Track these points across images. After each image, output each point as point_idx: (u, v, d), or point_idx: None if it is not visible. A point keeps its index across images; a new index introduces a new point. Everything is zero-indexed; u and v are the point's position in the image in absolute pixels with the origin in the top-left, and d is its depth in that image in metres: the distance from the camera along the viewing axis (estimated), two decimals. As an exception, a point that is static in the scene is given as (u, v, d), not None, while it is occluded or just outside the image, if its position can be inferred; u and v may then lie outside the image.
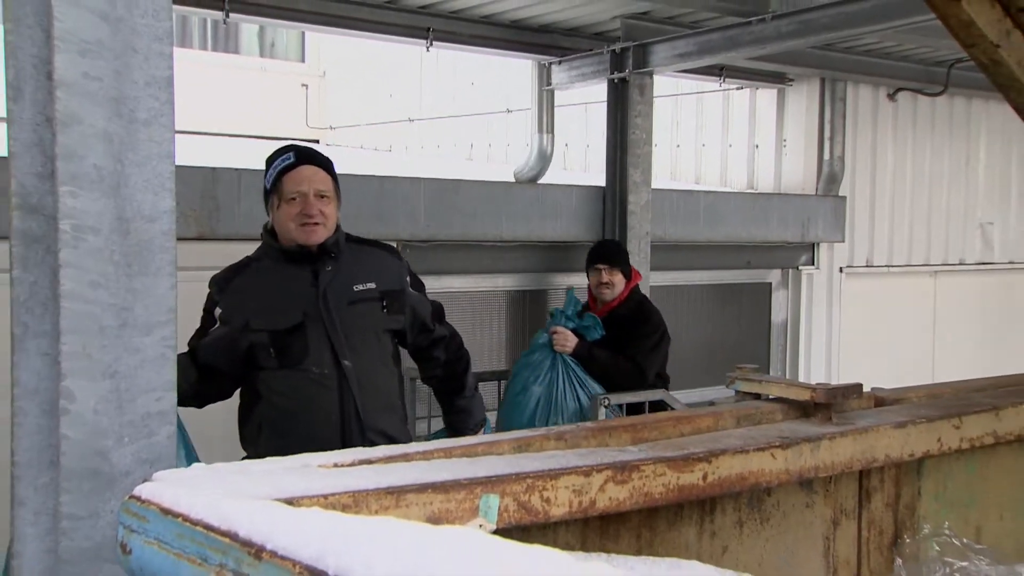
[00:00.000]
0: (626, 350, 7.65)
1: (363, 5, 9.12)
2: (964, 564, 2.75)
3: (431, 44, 9.60)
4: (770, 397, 2.90)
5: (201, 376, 4.41)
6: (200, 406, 4.49)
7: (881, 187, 12.65)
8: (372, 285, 4.58)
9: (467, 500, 1.95)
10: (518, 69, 11.61)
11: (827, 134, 12.12)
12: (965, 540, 2.87)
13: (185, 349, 4.31)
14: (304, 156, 4.65)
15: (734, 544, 2.61)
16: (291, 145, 4.83)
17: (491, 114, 14.18)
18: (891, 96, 12.66)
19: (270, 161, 4.67)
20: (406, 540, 1.27)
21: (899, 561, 2.86)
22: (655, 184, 10.89)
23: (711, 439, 2.56)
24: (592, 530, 2.29)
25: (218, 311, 4.49)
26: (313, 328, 4.39)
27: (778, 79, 12.35)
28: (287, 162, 4.59)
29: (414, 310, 4.74)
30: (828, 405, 2.77)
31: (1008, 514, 3.07)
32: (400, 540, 1.28)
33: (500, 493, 1.98)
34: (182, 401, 2.86)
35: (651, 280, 10.35)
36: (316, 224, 4.47)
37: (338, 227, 4.64)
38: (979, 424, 2.88)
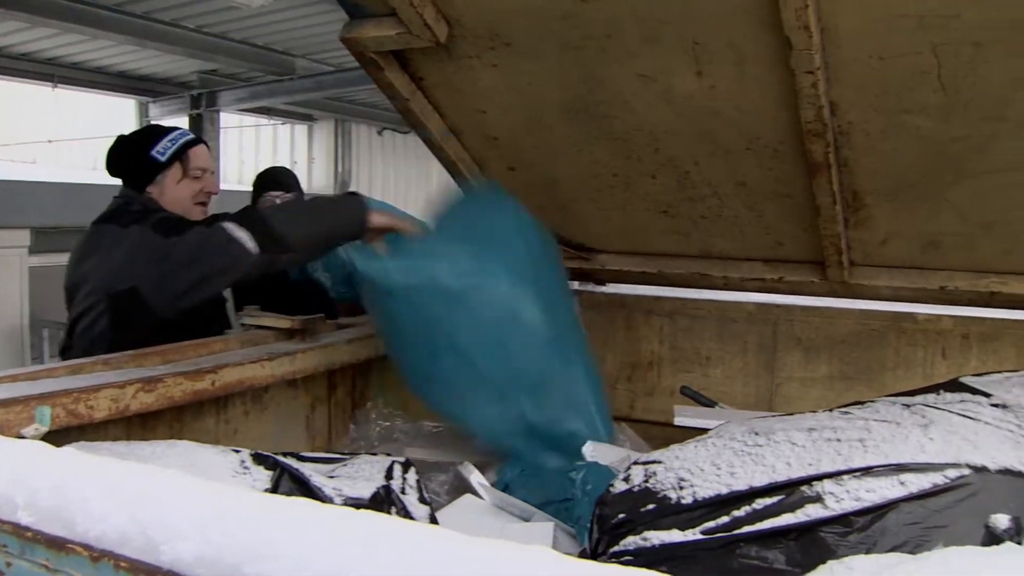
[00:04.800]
0: None
1: (4, 56, 8.36)
2: (388, 424, 2.84)
3: (56, 86, 8.92)
4: (267, 326, 2.85)
5: None
6: None
7: (375, 190, 12.89)
8: None
9: (24, 411, 1.82)
10: (126, 105, 10.90)
11: (340, 155, 12.27)
12: (392, 411, 2.95)
13: None
14: (199, 136, 3.30)
15: (242, 427, 2.56)
16: (164, 125, 3.33)
17: (108, 136, 13.26)
18: (379, 132, 12.90)
19: (154, 136, 3.20)
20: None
21: (353, 426, 2.91)
22: (225, 186, 10.61)
23: (219, 357, 2.50)
24: (135, 426, 2.20)
25: None
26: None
27: (308, 118, 12.30)
28: (189, 137, 3.20)
29: None
30: (303, 330, 2.78)
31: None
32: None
33: (52, 404, 1.86)
34: None
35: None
36: (207, 204, 3.22)
37: None
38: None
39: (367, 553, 0.78)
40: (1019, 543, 1.17)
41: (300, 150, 12.65)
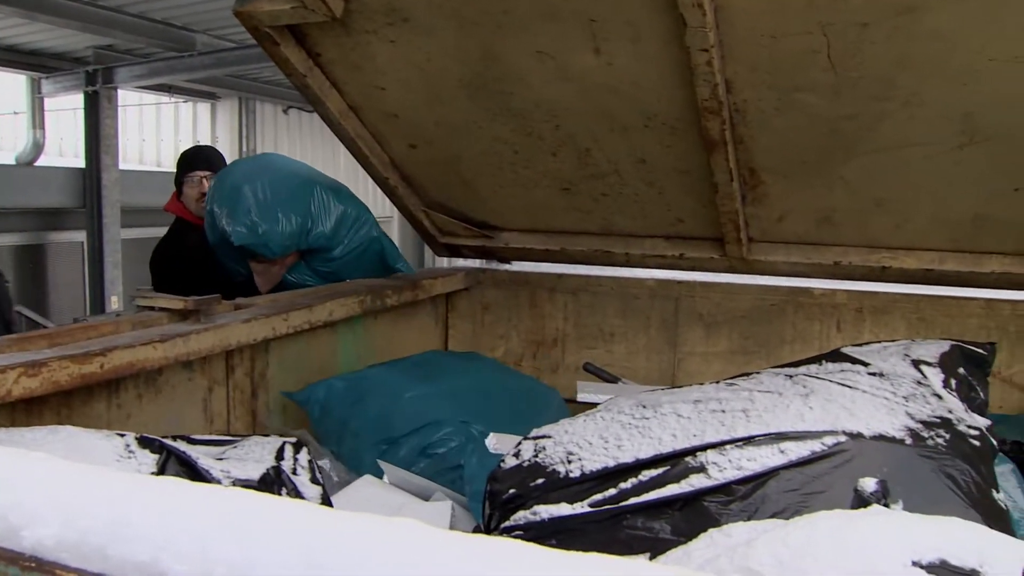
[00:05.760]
0: None
1: None
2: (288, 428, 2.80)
3: (-63, 60, 8.53)
4: (160, 307, 2.78)
5: None
6: None
7: (282, 170, 12.67)
8: None
9: None
10: (17, 81, 10.50)
11: (244, 134, 12.05)
12: (280, 392, 2.91)
13: None
14: None
15: (136, 411, 2.48)
16: None
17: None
18: (285, 111, 12.69)
19: None
20: None
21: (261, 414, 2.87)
22: (126, 166, 10.36)
23: (109, 340, 2.42)
24: (19, 412, 2.12)
25: None
26: None
27: (211, 96, 12.04)
28: None
29: None
30: (197, 311, 2.71)
31: (314, 373, 3.11)
32: None
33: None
34: None
35: (122, 235, 9.89)
36: None
37: None
38: (299, 317, 2.93)
39: (230, 531, 0.77)
40: (886, 505, 1.21)
41: (203, 129, 12.37)
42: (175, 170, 4.34)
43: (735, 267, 3.41)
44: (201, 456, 1.57)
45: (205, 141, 12.27)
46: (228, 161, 4.47)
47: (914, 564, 1.00)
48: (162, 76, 9.30)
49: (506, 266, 3.91)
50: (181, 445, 1.63)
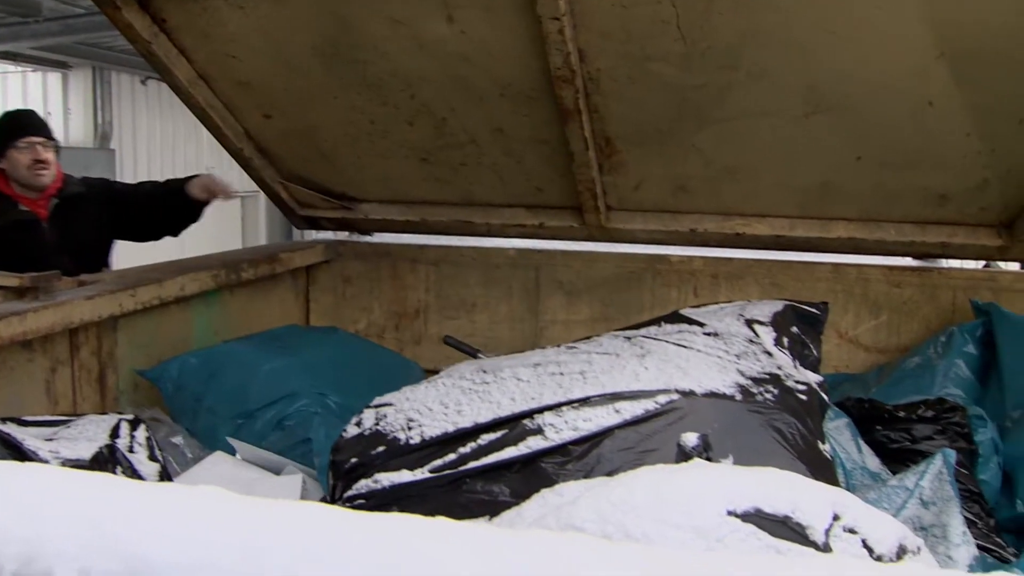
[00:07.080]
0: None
1: None
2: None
3: None
4: (-5, 286, 2.64)
5: None
6: None
7: (140, 143, 12.26)
8: None
9: None
10: None
11: (100, 106, 11.55)
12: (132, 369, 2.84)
13: None
14: None
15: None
16: None
17: None
18: (143, 82, 12.22)
19: None
20: None
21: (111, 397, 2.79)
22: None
23: (-63, 320, 2.30)
24: None
25: None
26: None
27: (63, 66, 11.53)
28: None
29: None
30: (35, 288, 2.60)
31: (167, 351, 3.03)
32: None
33: None
34: None
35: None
36: None
37: None
38: (148, 292, 2.85)
39: (21, 510, 0.75)
40: (708, 459, 1.27)
41: (54, 100, 11.79)
42: None
43: (594, 235, 3.47)
44: (28, 437, 1.51)
45: (56, 113, 11.71)
46: (58, 136, 4.05)
47: (729, 513, 1.05)
48: (5, 43, 8.83)
49: (367, 238, 3.88)
50: (9, 427, 1.57)
